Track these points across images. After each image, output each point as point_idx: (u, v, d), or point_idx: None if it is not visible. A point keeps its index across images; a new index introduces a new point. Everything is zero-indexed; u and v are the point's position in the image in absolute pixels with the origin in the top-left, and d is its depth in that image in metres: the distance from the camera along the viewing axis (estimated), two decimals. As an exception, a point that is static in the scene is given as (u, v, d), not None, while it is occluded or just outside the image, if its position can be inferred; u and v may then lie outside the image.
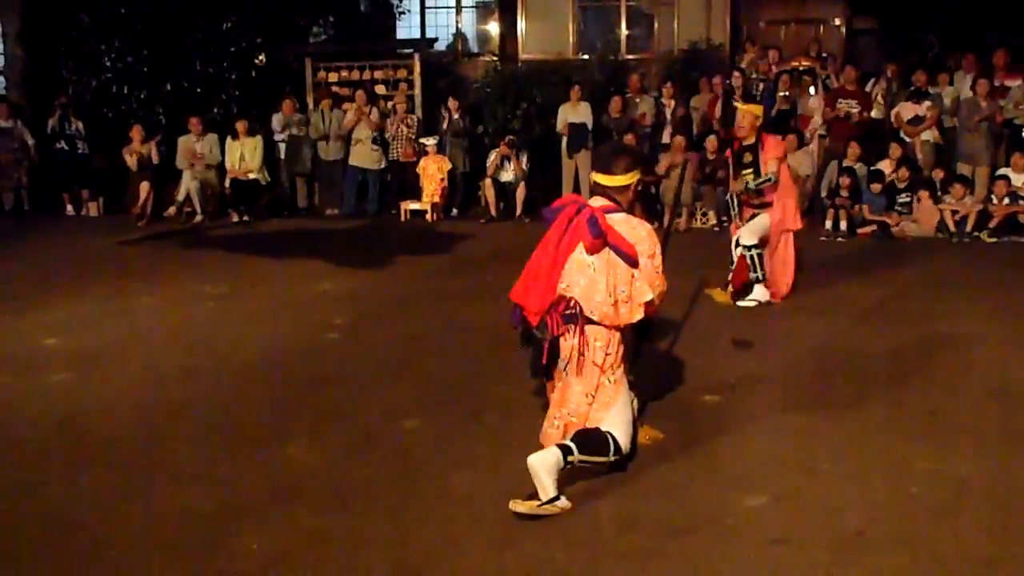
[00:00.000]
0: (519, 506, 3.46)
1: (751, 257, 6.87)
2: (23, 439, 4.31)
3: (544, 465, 3.50)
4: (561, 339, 3.77)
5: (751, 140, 6.91)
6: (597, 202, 3.94)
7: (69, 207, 12.38)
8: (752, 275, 6.90)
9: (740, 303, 6.87)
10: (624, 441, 3.74)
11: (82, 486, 3.78)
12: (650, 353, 5.34)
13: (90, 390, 5.03)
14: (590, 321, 3.75)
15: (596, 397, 3.78)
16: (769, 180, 6.76)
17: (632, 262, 3.78)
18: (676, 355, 5.47)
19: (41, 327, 6.30)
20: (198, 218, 11.65)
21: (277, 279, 8.05)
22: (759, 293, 6.89)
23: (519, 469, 3.79)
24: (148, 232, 10.82)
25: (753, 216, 7.00)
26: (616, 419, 3.76)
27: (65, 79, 13.17)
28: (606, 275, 3.74)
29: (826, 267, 8.28)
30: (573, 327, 3.75)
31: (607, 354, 3.78)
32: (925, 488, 3.61)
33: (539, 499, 3.47)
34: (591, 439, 3.68)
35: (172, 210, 11.87)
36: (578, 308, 3.75)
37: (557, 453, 3.56)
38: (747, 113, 6.98)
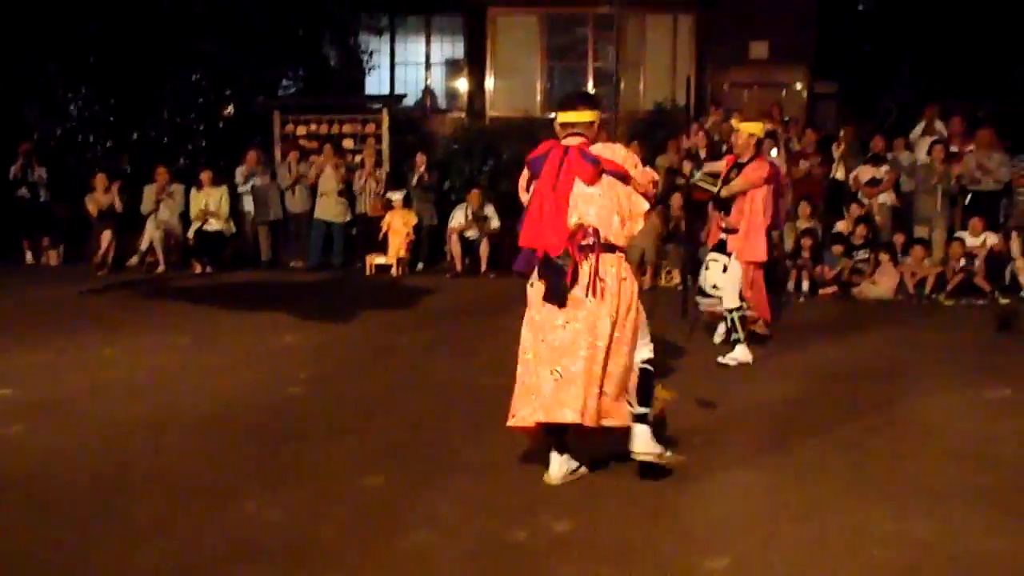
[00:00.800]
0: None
1: (733, 320, 6.83)
2: (-28, 493, 4.20)
3: (644, 443, 4.22)
4: (579, 267, 4.15)
5: (745, 159, 6.83)
6: (573, 140, 4.29)
7: (29, 254, 12.25)
8: (734, 336, 6.84)
9: (721, 360, 6.81)
10: (650, 353, 4.41)
11: (35, 542, 3.68)
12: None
13: (45, 443, 4.92)
14: (605, 249, 4.14)
15: (617, 324, 4.17)
16: (715, 189, 6.81)
17: (625, 179, 4.22)
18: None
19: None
20: (160, 268, 11.56)
21: (240, 331, 7.97)
22: (740, 353, 6.82)
23: (482, 530, 3.77)
24: (109, 281, 10.72)
25: (720, 244, 6.97)
26: (640, 342, 4.33)
27: (29, 126, 13.10)
28: (612, 199, 4.19)
29: (789, 327, 8.36)
30: (590, 254, 4.13)
31: (622, 279, 4.21)
32: (886, 551, 3.61)
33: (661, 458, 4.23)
34: (642, 386, 4.31)
35: (134, 260, 11.78)
36: (594, 237, 4.14)
37: (640, 427, 4.25)
38: (743, 131, 6.90)
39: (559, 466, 4.30)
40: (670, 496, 4.18)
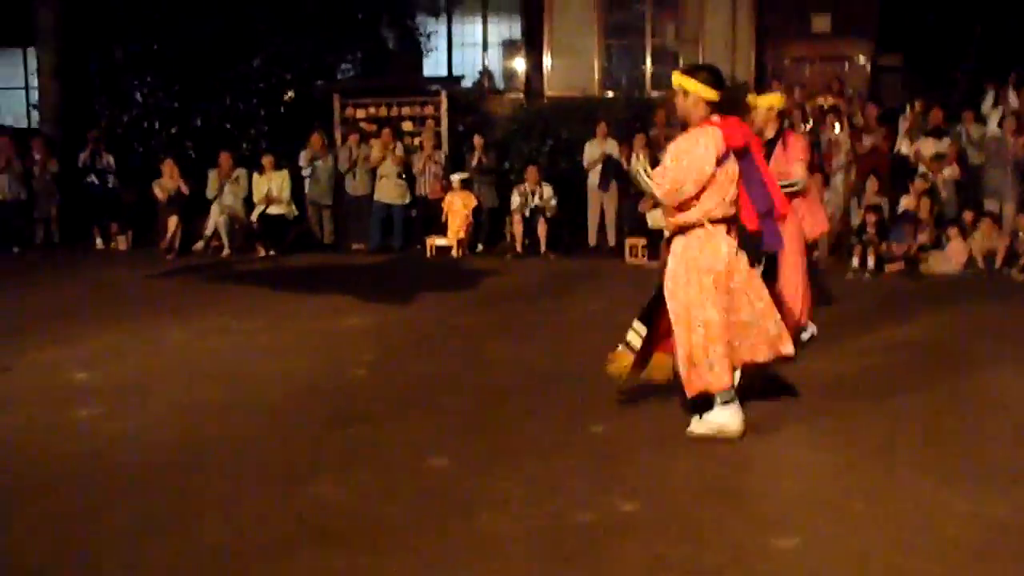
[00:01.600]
0: None
1: None
2: (52, 473, 4.31)
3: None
4: None
5: (770, 135, 6.26)
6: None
7: (98, 240, 12.54)
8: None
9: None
10: None
11: (109, 521, 3.77)
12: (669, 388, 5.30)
13: (119, 424, 5.04)
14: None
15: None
16: (796, 185, 6.10)
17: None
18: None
19: (71, 360, 6.34)
20: (226, 252, 11.76)
21: (304, 314, 8.07)
22: None
23: (548, 511, 3.78)
24: (176, 266, 10.93)
25: None
26: None
27: (97, 113, 13.39)
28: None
29: (855, 304, 8.24)
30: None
31: None
32: (962, 531, 3.54)
33: None
34: None
35: (200, 244, 12.00)
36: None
37: None
38: (761, 106, 6.36)
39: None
40: (737, 476, 4.15)
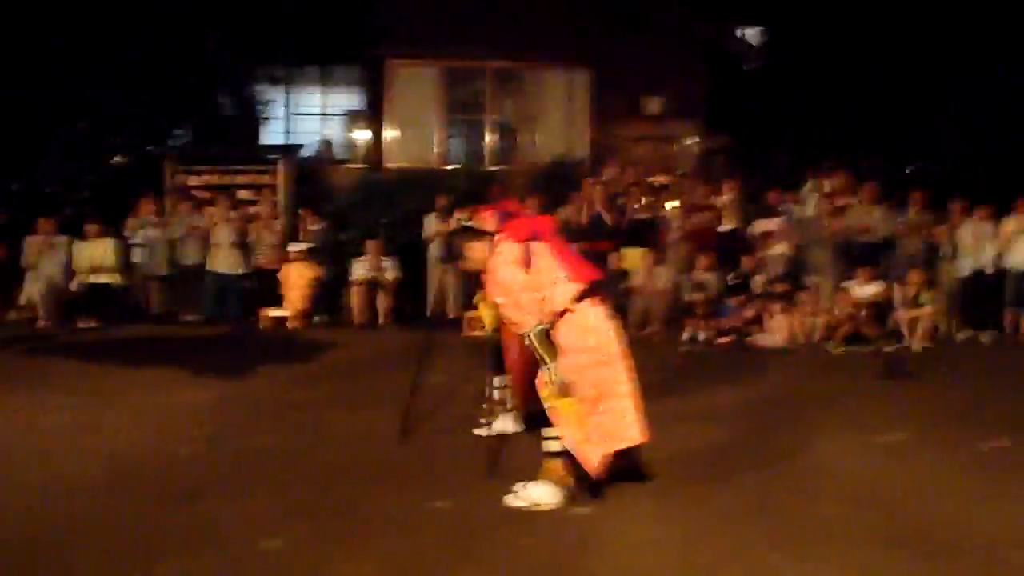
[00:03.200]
0: None
1: None
2: None
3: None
4: None
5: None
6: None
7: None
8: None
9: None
10: None
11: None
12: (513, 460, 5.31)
13: (-83, 512, 4.59)
14: None
15: None
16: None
17: None
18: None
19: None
20: (42, 323, 11.06)
21: (133, 388, 7.64)
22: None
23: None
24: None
25: None
26: None
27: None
28: None
29: (688, 378, 8.49)
30: None
31: None
32: (797, 598, 3.65)
33: None
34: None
35: (13, 315, 11.25)
36: None
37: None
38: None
39: None
40: (586, 554, 4.12)
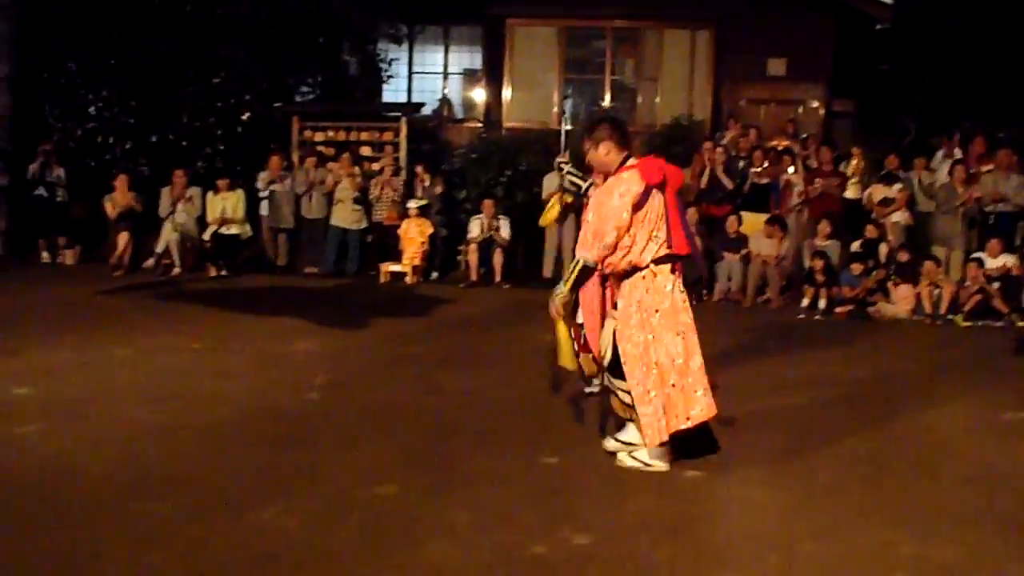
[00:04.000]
0: None
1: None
2: (-12, 491, 4.19)
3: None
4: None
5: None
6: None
7: (45, 254, 12.28)
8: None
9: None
10: None
11: (49, 544, 3.65)
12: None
13: (60, 443, 4.91)
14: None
15: None
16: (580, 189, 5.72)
17: None
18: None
19: (11, 375, 6.17)
20: (176, 271, 11.59)
21: (254, 336, 7.96)
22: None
23: (499, 542, 3.74)
24: (125, 283, 10.74)
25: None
26: None
27: (50, 126, 13.17)
28: None
29: (804, 345, 8.33)
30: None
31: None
32: (909, 574, 3.57)
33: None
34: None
35: (150, 262, 11.82)
36: None
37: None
38: None
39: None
40: (690, 514, 4.15)
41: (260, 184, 12.32)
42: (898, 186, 11.34)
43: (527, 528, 3.89)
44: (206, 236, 11.86)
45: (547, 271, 11.86)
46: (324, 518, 3.99)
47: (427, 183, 12.26)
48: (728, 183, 11.63)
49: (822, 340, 8.79)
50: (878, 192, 11.41)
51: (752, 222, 11.34)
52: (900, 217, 11.29)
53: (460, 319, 9.25)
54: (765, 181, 11.90)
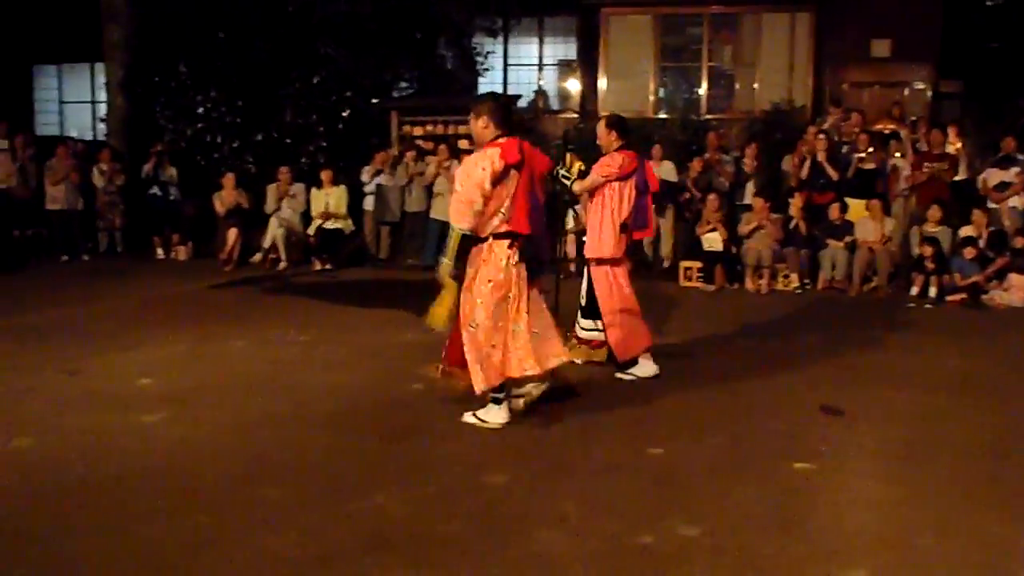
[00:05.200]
0: None
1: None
2: (115, 477, 4.40)
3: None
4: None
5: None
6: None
7: (159, 250, 12.78)
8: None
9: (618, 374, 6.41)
10: None
11: (172, 526, 3.84)
12: (734, 413, 5.33)
13: (181, 431, 5.13)
14: None
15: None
16: (567, 182, 6.31)
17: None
18: (760, 419, 5.39)
19: (134, 366, 6.47)
20: (283, 265, 11.92)
21: (359, 327, 8.14)
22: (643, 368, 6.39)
23: (608, 532, 3.77)
24: (235, 277, 11.10)
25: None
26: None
27: (162, 127, 13.68)
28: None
29: (915, 335, 8.11)
30: None
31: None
32: (1031, 570, 3.47)
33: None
34: None
35: (258, 256, 12.18)
36: None
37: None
38: (601, 123, 6.51)
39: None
40: (801, 506, 4.10)
41: (365, 178, 12.56)
42: (1015, 169, 10.89)
43: (634, 518, 3.92)
44: (310, 231, 12.16)
45: (646, 260, 11.82)
46: (435, 505, 4.08)
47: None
48: (832, 171, 11.34)
49: (935, 329, 8.54)
50: (994, 176, 10.98)
51: (857, 208, 11.06)
52: (1018, 202, 10.85)
53: (561, 309, 9.24)
54: (870, 167, 11.58)
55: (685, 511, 4.00)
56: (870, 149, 11.64)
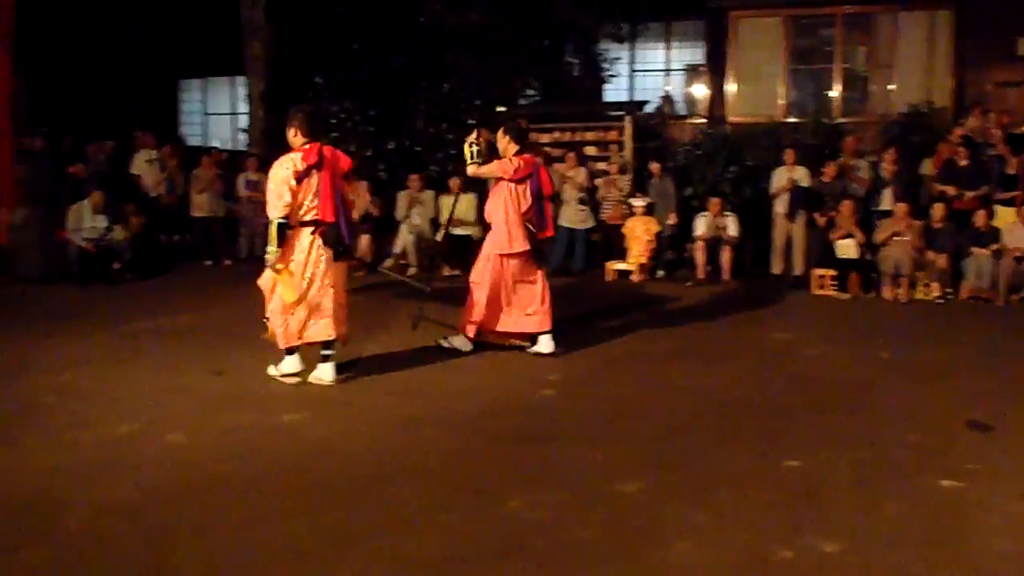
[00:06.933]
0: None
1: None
2: (260, 474, 4.58)
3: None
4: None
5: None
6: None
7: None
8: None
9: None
10: None
11: (316, 523, 3.97)
12: (873, 426, 5.16)
13: (321, 431, 5.31)
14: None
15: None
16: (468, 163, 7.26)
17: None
18: (902, 433, 5.22)
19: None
20: (412, 271, 12.16)
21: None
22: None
23: (745, 545, 3.71)
24: (367, 282, 11.37)
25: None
26: None
27: (299, 137, 14.15)
28: None
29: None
30: None
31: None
32: None
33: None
34: None
35: (389, 262, 12.45)
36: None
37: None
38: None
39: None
40: (946, 524, 3.95)
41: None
42: None
43: (772, 532, 3.85)
44: (439, 237, 12.36)
45: (776, 268, 11.55)
46: (569, 512, 4.10)
47: (660, 180, 12.22)
48: (975, 174, 10.85)
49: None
50: None
51: (1004, 215, 10.56)
52: None
53: (689, 317, 9.16)
54: (1015, 171, 11.03)
55: (825, 526, 3.90)
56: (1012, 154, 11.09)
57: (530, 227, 7.24)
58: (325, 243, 6.15)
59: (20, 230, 11.42)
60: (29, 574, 3.51)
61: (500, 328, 7.39)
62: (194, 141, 19.52)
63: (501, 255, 7.22)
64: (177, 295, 10.25)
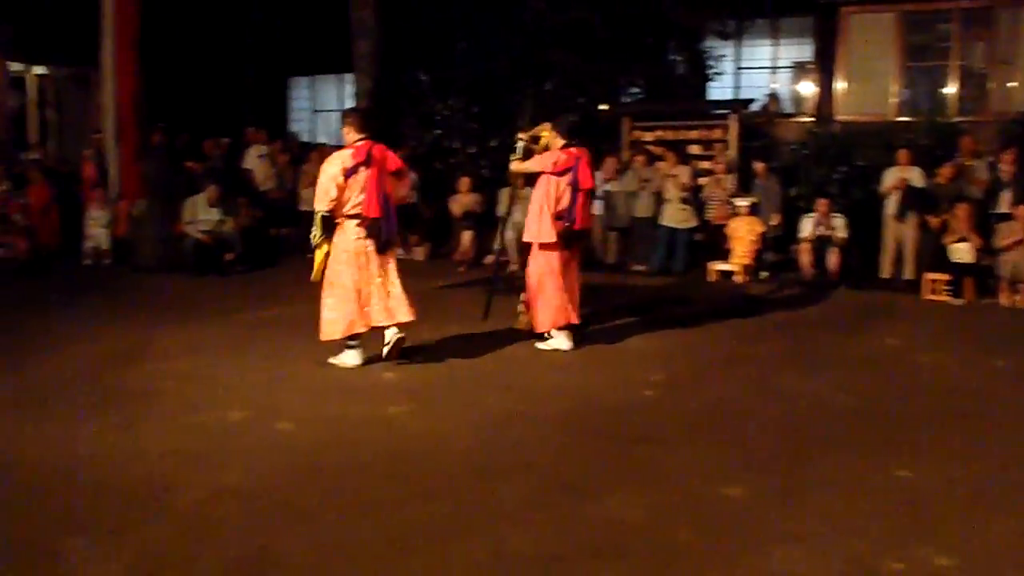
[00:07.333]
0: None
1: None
2: (366, 463, 4.69)
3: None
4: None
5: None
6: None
7: (399, 250, 13.40)
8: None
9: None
10: None
11: (419, 514, 4.04)
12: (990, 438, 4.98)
13: (422, 424, 5.40)
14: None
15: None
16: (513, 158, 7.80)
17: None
18: (1022, 448, 5.02)
19: (380, 361, 6.83)
20: (513, 267, 12.22)
21: (588, 331, 8.20)
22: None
23: (852, 554, 3.64)
24: (468, 278, 11.50)
25: None
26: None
27: (404, 134, 14.39)
28: None
29: None
30: None
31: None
32: None
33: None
34: None
35: (490, 258, 12.54)
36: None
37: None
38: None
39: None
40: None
41: (596, 182, 12.65)
42: None
43: (881, 542, 3.76)
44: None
45: (886, 271, 11.22)
46: (668, 514, 4.08)
47: (764, 180, 12.01)
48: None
49: None
50: None
51: None
52: None
53: (794, 320, 8.98)
54: None
55: (938, 538, 3.79)
56: None
57: (563, 219, 7.37)
58: (368, 236, 6.54)
59: (139, 222, 11.93)
60: (141, 553, 3.66)
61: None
62: (303, 137, 20.03)
63: (540, 245, 7.42)
64: (286, 286, 10.51)
